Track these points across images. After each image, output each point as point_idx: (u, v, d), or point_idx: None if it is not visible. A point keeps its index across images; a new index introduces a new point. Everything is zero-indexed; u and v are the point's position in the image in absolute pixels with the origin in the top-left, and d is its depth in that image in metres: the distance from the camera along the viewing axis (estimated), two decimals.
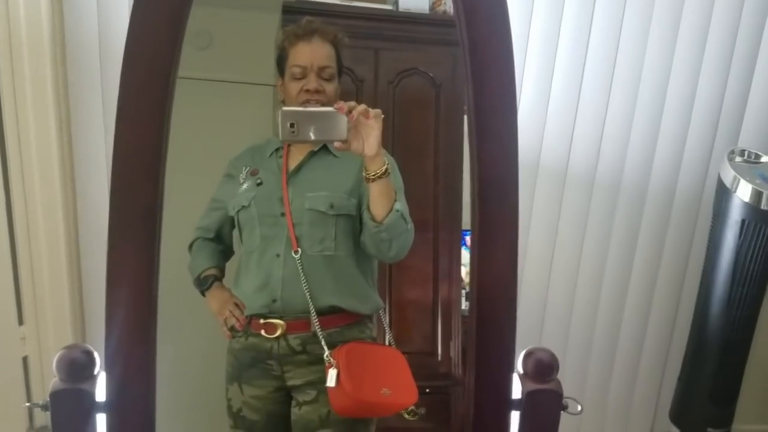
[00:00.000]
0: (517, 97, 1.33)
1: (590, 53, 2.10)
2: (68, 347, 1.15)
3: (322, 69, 1.41)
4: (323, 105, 1.36)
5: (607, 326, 2.33)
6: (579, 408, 1.21)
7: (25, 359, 1.83)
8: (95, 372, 1.15)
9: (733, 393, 2.27)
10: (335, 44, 1.44)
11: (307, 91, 1.39)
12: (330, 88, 1.41)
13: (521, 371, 1.23)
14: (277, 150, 1.48)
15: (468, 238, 2.02)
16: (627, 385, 2.41)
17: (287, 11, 1.81)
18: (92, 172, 1.81)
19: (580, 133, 2.15)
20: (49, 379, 1.15)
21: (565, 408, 1.21)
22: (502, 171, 1.22)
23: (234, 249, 1.55)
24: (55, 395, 1.10)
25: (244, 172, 1.47)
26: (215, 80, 1.88)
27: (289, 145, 1.47)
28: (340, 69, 1.47)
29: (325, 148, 1.44)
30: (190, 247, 1.55)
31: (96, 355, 1.15)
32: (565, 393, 1.22)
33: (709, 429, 2.27)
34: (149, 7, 1.11)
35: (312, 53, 1.41)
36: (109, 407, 1.14)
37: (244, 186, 1.45)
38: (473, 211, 1.24)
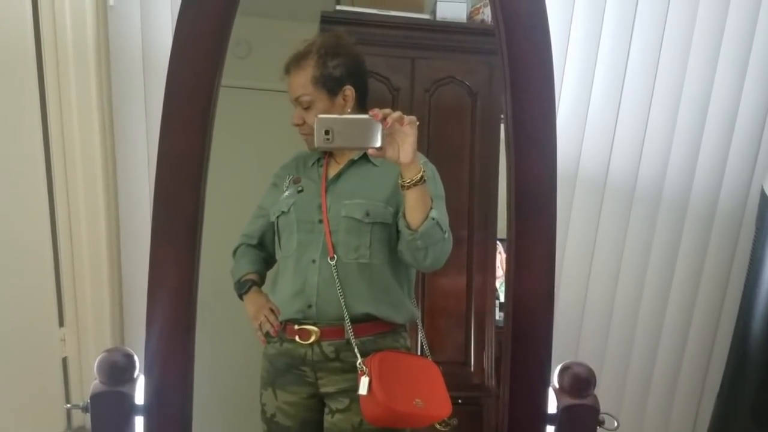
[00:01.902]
0: (555, 107, 1.32)
1: (631, 62, 2.06)
2: (109, 350, 1.17)
3: (297, 100, 1.43)
4: (307, 135, 1.40)
5: (646, 340, 2.28)
6: (615, 424, 1.19)
7: (64, 360, 1.87)
8: (135, 375, 1.17)
9: None
10: (317, 62, 1.42)
11: (294, 125, 1.45)
12: (311, 116, 1.40)
13: (557, 385, 1.22)
14: (319, 159, 1.50)
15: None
16: (665, 400, 2.36)
17: (325, 21, 1.83)
18: (134, 178, 1.85)
19: (619, 143, 2.10)
20: (87, 381, 1.18)
21: (601, 424, 1.19)
22: (539, 183, 1.21)
23: (276, 257, 1.57)
24: (95, 397, 1.12)
25: (287, 181, 1.50)
26: (254, 89, 1.90)
27: (330, 154, 1.48)
28: (333, 84, 1.42)
29: (364, 157, 1.44)
30: (234, 252, 1.57)
31: (136, 358, 1.17)
32: (602, 408, 1.20)
33: None
34: (194, 18, 1.13)
35: (289, 88, 1.45)
36: (147, 410, 1.15)
37: (286, 193, 1.48)
38: (509, 223, 1.23)
